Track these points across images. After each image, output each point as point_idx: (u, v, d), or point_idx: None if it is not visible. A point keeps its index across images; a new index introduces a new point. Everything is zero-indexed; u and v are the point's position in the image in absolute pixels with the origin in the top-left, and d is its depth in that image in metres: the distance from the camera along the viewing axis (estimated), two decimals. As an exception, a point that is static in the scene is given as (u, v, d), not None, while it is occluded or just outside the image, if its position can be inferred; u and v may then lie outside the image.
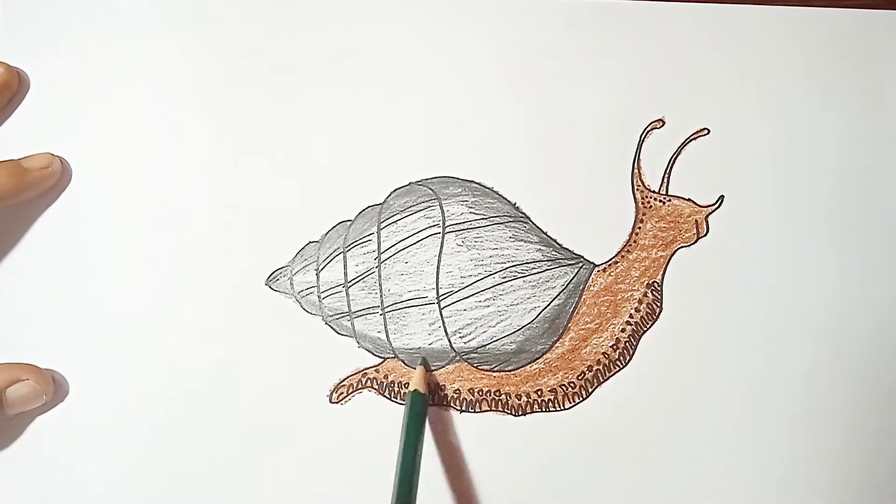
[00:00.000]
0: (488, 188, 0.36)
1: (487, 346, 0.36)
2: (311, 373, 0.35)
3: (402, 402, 0.36)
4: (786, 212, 0.37)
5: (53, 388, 0.35)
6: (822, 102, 0.37)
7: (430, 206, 0.36)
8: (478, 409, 0.36)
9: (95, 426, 0.35)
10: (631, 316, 0.36)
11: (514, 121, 0.36)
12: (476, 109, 0.37)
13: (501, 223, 0.36)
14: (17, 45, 0.36)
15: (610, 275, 0.36)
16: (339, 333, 0.36)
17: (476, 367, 0.36)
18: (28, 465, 0.35)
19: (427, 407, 0.35)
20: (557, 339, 0.36)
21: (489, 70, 0.37)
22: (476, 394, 0.36)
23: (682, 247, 0.36)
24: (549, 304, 0.36)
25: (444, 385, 0.36)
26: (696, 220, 0.36)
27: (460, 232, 0.36)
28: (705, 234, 0.36)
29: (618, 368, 0.36)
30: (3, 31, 0.36)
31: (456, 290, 0.35)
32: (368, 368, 0.36)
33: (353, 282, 0.36)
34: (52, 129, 0.36)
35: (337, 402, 0.35)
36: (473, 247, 0.36)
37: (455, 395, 0.36)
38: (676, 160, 0.37)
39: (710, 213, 0.36)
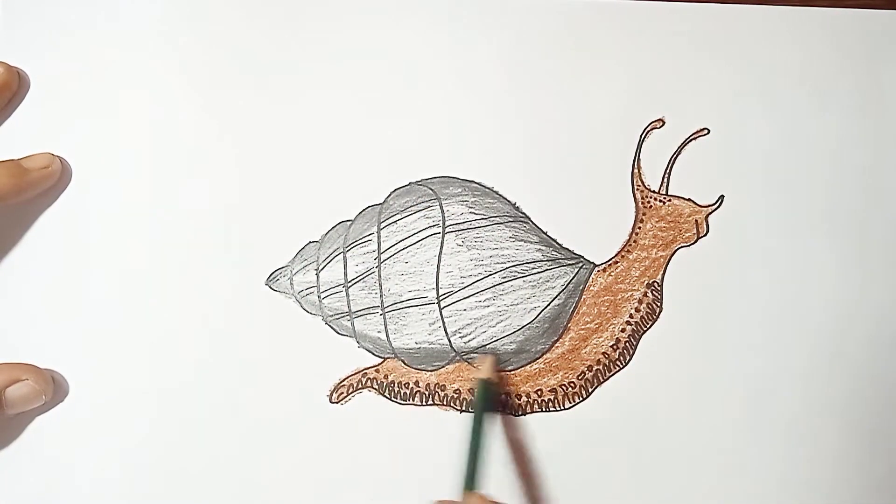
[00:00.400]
0: (488, 188, 0.36)
1: (487, 346, 0.36)
2: (311, 373, 0.35)
3: (402, 401, 0.36)
4: (785, 212, 0.37)
5: (53, 388, 0.35)
6: (821, 102, 0.37)
7: (430, 206, 0.36)
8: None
9: (95, 426, 0.35)
10: (631, 316, 0.36)
11: (514, 121, 0.36)
12: (476, 109, 0.37)
13: (501, 223, 0.36)
14: (17, 45, 0.36)
15: (610, 275, 0.36)
16: (339, 333, 0.36)
17: (476, 367, 0.36)
18: (28, 465, 0.35)
19: (495, 395, 0.35)
20: (557, 339, 0.36)
21: (489, 70, 0.37)
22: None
23: (682, 247, 0.36)
24: (549, 304, 0.36)
25: (444, 385, 0.36)
26: (696, 220, 0.36)
27: (460, 232, 0.36)
28: (705, 234, 0.36)
29: (618, 368, 0.36)
30: (3, 31, 0.36)
31: (456, 290, 0.35)
32: (368, 368, 0.36)
33: (353, 282, 0.36)
34: (52, 129, 0.36)
35: (337, 402, 0.35)
36: (473, 247, 0.36)
37: (455, 395, 0.36)
38: (676, 160, 0.37)
39: (710, 213, 0.36)
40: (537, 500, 0.35)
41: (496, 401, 0.36)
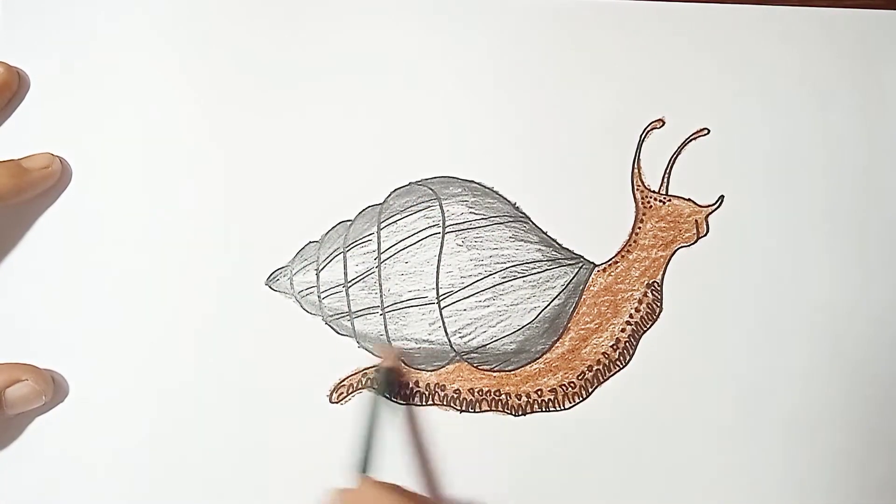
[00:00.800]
0: (488, 188, 0.36)
1: (487, 346, 0.36)
2: (311, 373, 0.35)
3: (402, 402, 0.36)
4: (785, 212, 0.37)
5: (53, 389, 0.35)
6: (821, 102, 0.37)
7: (430, 206, 0.36)
8: (478, 409, 0.36)
9: (95, 426, 0.35)
10: (631, 316, 0.36)
11: (514, 121, 0.36)
12: (476, 109, 0.37)
13: (501, 223, 0.36)
14: (17, 45, 0.36)
15: (610, 275, 0.36)
16: (339, 333, 0.36)
17: (476, 367, 0.36)
18: (28, 465, 0.35)
19: (396, 383, 0.35)
20: (557, 339, 0.36)
21: (489, 70, 0.37)
22: (476, 394, 0.36)
23: (682, 247, 0.36)
24: (549, 304, 0.36)
25: (444, 385, 0.36)
26: (696, 220, 0.36)
27: (460, 232, 0.36)
28: (705, 234, 0.36)
29: (618, 368, 0.36)
30: (3, 31, 0.36)
31: (456, 290, 0.35)
32: (368, 368, 0.36)
33: (353, 282, 0.36)
34: (52, 129, 0.36)
35: (337, 402, 0.35)
36: (473, 247, 0.36)
37: (455, 395, 0.36)
38: (676, 160, 0.37)
39: (710, 213, 0.36)
40: (433, 488, 0.35)
41: (397, 389, 0.35)
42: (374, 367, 0.35)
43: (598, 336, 0.36)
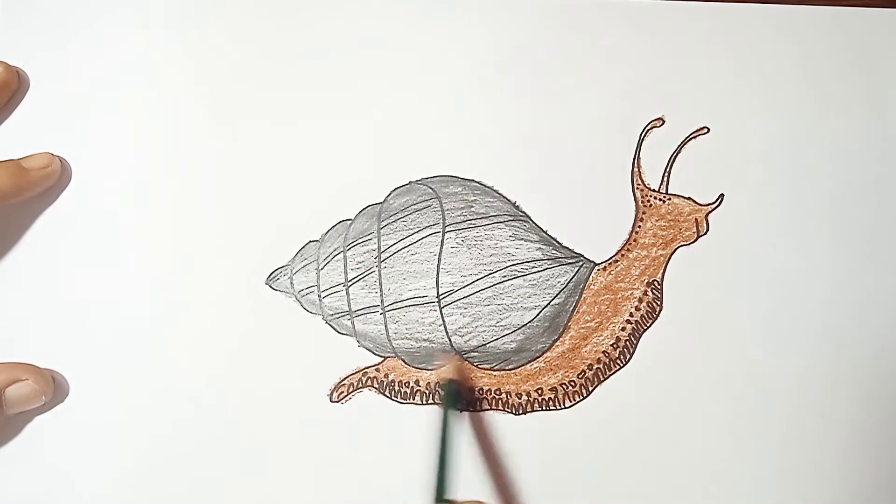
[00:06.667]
0: (488, 187, 0.36)
1: (487, 345, 0.36)
2: (311, 372, 0.35)
3: (402, 400, 0.36)
4: (786, 210, 0.37)
5: (53, 388, 0.35)
6: (821, 101, 0.37)
7: (430, 206, 0.36)
8: (478, 409, 0.36)
9: (95, 426, 0.35)
10: (631, 314, 0.36)
11: (514, 120, 0.37)
12: (476, 108, 0.37)
13: (501, 222, 0.36)
14: (17, 45, 0.36)
15: (610, 273, 0.36)
16: (339, 332, 0.36)
17: (476, 366, 0.36)
18: (27, 466, 0.35)
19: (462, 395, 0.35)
20: (558, 338, 0.36)
21: (489, 69, 0.37)
22: (476, 393, 0.36)
23: (682, 245, 0.36)
24: (549, 303, 0.36)
25: (445, 384, 0.36)
26: (696, 219, 0.36)
27: (460, 231, 0.36)
28: (705, 233, 0.36)
29: (618, 367, 0.36)
30: (3, 31, 0.36)
31: (456, 289, 0.35)
32: (369, 367, 0.36)
33: (354, 281, 0.36)
34: (52, 129, 0.36)
35: (337, 402, 0.35)
36: (473, 246, 0.36)
37: (455, 395, 0.36)
38: (676, 159, 0.37)
39: (711, 212, 0.36)
40: (509, 497, 0.35)
41: (463, 401, 0.35)
42: (437, 383, 0.35)
43: (598, 335, 0.36)
